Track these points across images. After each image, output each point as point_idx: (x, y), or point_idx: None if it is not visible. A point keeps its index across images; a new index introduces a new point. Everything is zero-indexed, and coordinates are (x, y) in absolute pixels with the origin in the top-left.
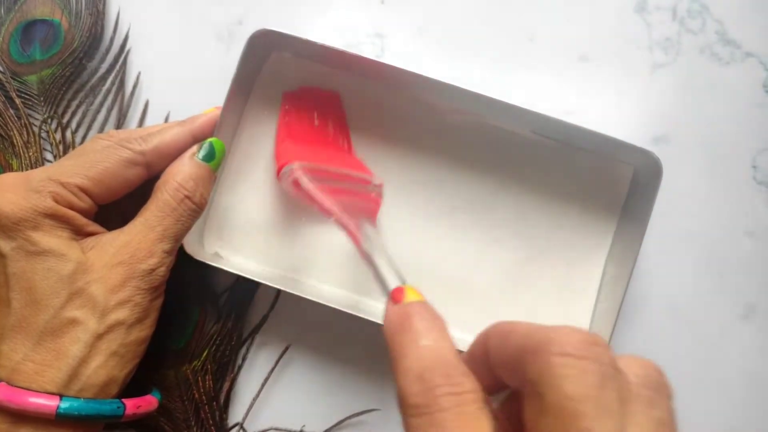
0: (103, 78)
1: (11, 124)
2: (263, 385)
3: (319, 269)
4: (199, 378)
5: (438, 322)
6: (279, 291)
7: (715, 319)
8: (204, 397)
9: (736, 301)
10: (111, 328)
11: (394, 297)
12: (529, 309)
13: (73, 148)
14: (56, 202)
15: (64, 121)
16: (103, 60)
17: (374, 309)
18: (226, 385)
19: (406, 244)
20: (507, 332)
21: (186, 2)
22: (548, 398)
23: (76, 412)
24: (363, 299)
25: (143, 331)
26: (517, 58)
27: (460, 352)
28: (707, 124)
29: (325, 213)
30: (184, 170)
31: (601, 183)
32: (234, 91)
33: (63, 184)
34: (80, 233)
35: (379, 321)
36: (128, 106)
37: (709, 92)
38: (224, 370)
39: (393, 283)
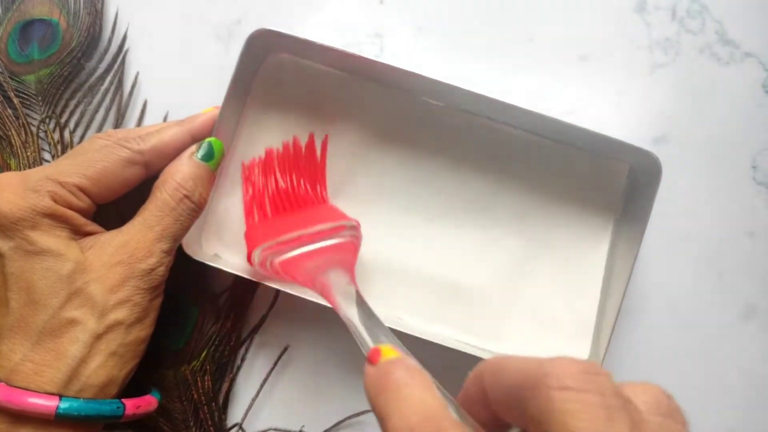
0: (102, 78)
1: (9, 123)
2: (262, 385)
3: None
4: (198, 378)
5: (418, 376)
6: (278, 291)
7: (715, 320)
8: (203, 397)
9: (736, 302)
10: (110, 328)
11: (371, 359)
12: (529, 309)
13: (72, 147)
14: (55, 201)
15: (63, 120)
16: (101, 60)
17: (373, 309)
18: (225, 385)
19: (404, 244)
20: (500, 368)
21: (185, 2)
22: None
23: (76, 413)
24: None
25: (143, 331)
26: (517, 58)
27: (451, 396)
28: (707, 125)
29: (302, 285)
30: (183, 170)
31: (600, 183)
32: (232, 91)
33: (61, 184)
34: (79, 233)
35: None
36: (126, 105)
37: (708, 92)
38: (223, 370)
39: (368, 343)
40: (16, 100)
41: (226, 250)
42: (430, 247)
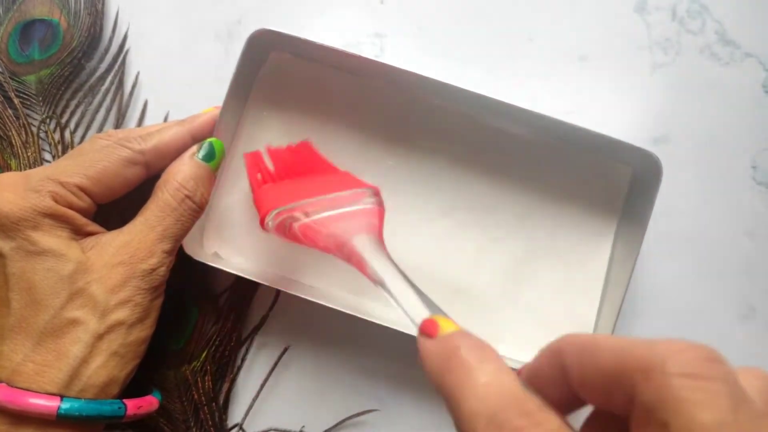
0: (102, 78)
1: (10, 124)
2: (263, 385)
3: (319, 270)
4: (199, 379)
5: (489, 352)
6: (278, 291)
7: (715, 320)
8: (203, 397)
9: (736, 302)
10: (111, 328)
11: (428, 331)
12: (529, 310)
13: (72, 148)
14: (55, 201)
15: (63, 121)
16: (101, 60)
17: (373, 309)
18: (226, 385)
19: (405, 244)
20: (591, 346)
21: (185, 2)
22: (674, 426)
23: (77, 413)
24: (362, 300)
25: (144, 331)
26: (517, 59)
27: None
28: (707, 125)
29: (323, 251)
30: (185, 170)
31: (600, 183)
32: (233, 91)
33: (62, 184)
34: (80, 233)
35: (379, 321)
36: (127, 106)
37: (708, 92)
38: (224, 370)
39: (418, 312)
40: (16, 101)
41: (226, 250)
42: (431, 248)
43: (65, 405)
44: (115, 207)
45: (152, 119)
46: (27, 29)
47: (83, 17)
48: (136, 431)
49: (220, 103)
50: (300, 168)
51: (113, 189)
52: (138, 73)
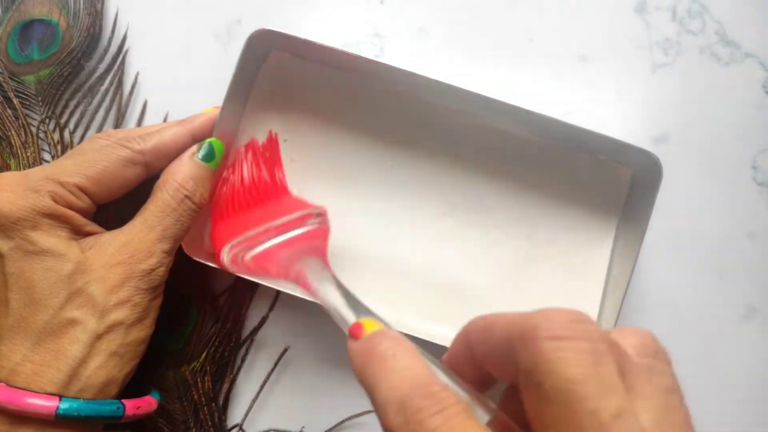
0: (102, 78)
1: (9, 124)
2: (262, 386)
3: None
4: (198, 379)
5: (403, 344)
6: (278, 292)
7: (716, 320)
8: (203, 398)
9: (737, 302)
10: (110, 328)
11: (354, 334)
12: (530, 309)
13: (72, 148)
14: (55, 201)
15: (62, 121)
16: (101, 60)
17: (373, 310)
18: (226, 386)
19: (405, 245)
20: (488, 325)
21: (185, 2)
22: (547, 385)
23: (76, 413)
24: (363, 300)
25: (143, 331)
26: (517, 59)
27: (436, 360)
28: (707, 125)
29: (277, 278)
30: (184, 170)
31: (601, 183)
32: (232, 91)
33: (62, 184)
34: (79, 233)
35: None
36: (126, 106)
37: (708, 93)
38: (223, 371)
39: (349, 319)
40: (15, 101)
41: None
42: (431, 248)
43: (64, 405)
44: (114, 207)
45: (152, 119)
46: (26, 29)
47: (82, 17)
48: None
49: (220, 104)
50: (249, 191)
51: (112, 189)
52: (137, 73)
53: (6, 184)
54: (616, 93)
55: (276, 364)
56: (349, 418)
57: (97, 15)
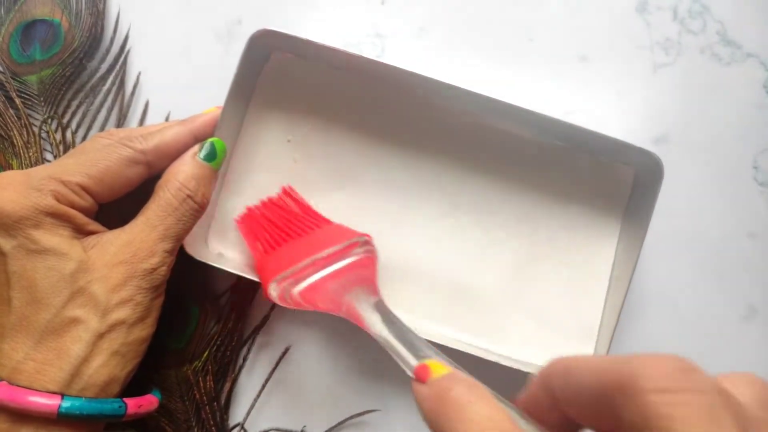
0: (104, 78)
1: (11, 124)
2: (264, 385)
3: None
4: (200, 378)
5: (478, 390)
6: None
7: (716, 321)
8: (205, 397)
9: (737, 302)
10: (112, 327)
11: (420, 377)
12: (532, 311)
13: (74, 148)
14: (57, 200)
15: (64, 121)
16: (103, 60)
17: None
18: (227, 385)
19: (407, 245)
20: (570, 368)
21: (186, 2)
22: None
23: (78, 412)
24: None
25: (144, 330)
26: (518, 59)
27: (510, 403)
28: (708, 125)
29: (328, 312)
30: (186, 170)
31: (602, 183)
32: (234, 91)
33: (64, 183)
34: (81, 232)
35: None
36: (128, 106)
37: (709, 93)
38: (225, 370)
39: (409, 359)
40: (18, 101)
41: (229, 250)
42: (434, 248)
43: (66, 404)
44: (116, 206)
45: (153, 119)
46: (28, 29)
47: (84, 17)
48: (138, 431)
49: (222, 103)
50: (291, 222)
51: (115, 188)
52: (139, 73)
53: (9, 183)
54: (616, 93)
55: (277, 364)
56: (351, 418)
57: (99, 15)
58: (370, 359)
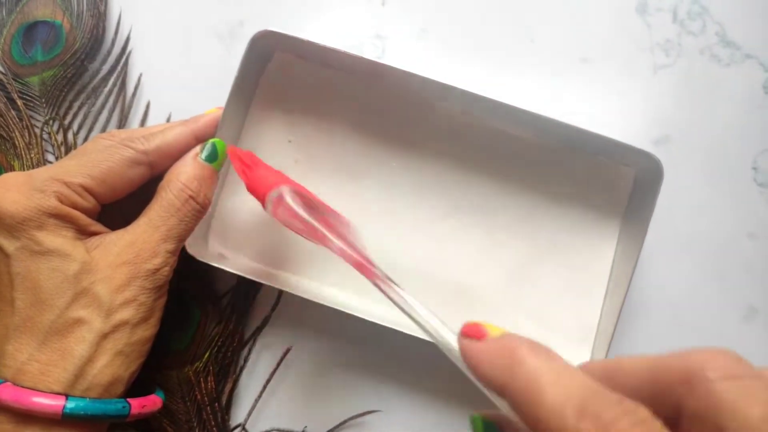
0: (105, 79)
1: (13, 125)
2: (265, 386)
3: (322, 270)
4: (201, 379)
5: (551, 351)
6: (281, 292)
7: (717, 321)
8: (206, 398)
9: (738, 303)
10: (116, 328)
11: (474, 334)
12: (532, 312)
13: (75, 149)
14: (60, 201)
15: (66, 122)
16: (104, 61)
17: (375, 310)
18: (228, 386)
19: (407, 245)
20: (616, 371)
21: (187, 3)
22: (732, 427)
23: (82, 412)
24: (365, 300)
25: (148, 331)
26: (518, 60)
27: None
28: (708, 126)
29: (321, 242)
30: (188, 170)
31: (602, 185)
32: (236, 92)
33: (67, 184)
34: (84, 233)
35: (382, 322)
36: (130, 107)
37: (709, 94)
38: (226, 371)
39: (436, 323)
40: (19, 102)
41: (231, 251)
42: (434, 249)
43: (70, 404)
44: (118, 207)
45: (155, 120)
46: (30, 31)
47: (86, 19)
48: (140, 431)
49: (223, 104)
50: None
51: (117, 189)
52: (140, 74)
53: (12, 184)
54: (617, 94)
55: (279, 364)
56: (352, 418)
57: (100, 17)
58: (371, 360)
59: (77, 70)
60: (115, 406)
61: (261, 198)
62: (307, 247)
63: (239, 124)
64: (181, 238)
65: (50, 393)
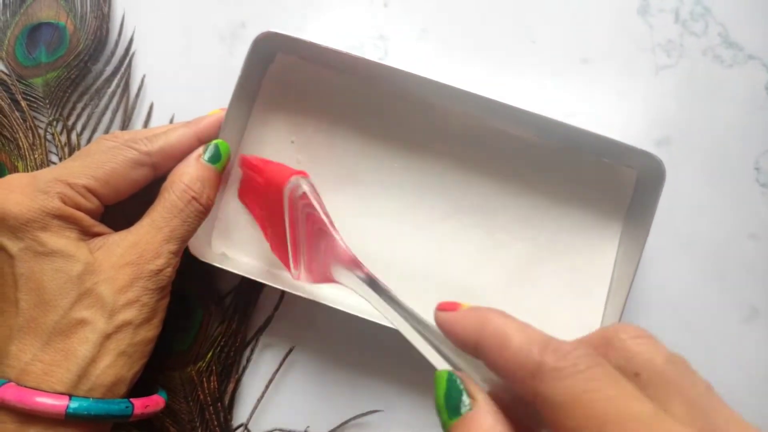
0: (108, 81)
1: (17, 126)
2: (267, 386)
3: None
4: (204, 379)
5: (512, 316)
6: (283, 292)
7: (718, 322)
8: (209, 398)
9: (739, 304)
10: (119, 328)
11: (448, 307)
12: (534, 312)
13: (79, 150)
14: (63, 202)
15: (70, 123)
16: (108, 63)
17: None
18: (231, 386)
19: (408, 246)
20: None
21: (190, 5)
22: (645, 370)
23: (86, 412)
24: (366, 301)
25: (150, 331)
26: (520, 60)
27: None
28: (710, 127)
29: (325, 233)
30: (191, 172)
31: (604, 185)
32: (238, 93)
33: (70, 185)
34: (87, 234)
35: (381, 321)
36: (133, 108)
37: (711, 94)
38: (229, 371)
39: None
40: (23, 103)
41: (233, 251)
42: (436, 250)
43: (74, 404)
44: (121, 208)
45: (158, 122)
46: (34, 32)
47: (89, 20)
48: (142, 431)
49: (226, 106)
50: (262, 193)
51: (120, 190)
52: (144, 75)
53: (15, 185)
54: (618, 95)
55: (281, 364)
56: (354, 418)
57: (103, 18)
58: (373, 360)
59: (81, 72)
60: (118, 407)
61: (280, 185)
62: None
63: (242, 125)
64: (184, 239)
65: (53, 393)
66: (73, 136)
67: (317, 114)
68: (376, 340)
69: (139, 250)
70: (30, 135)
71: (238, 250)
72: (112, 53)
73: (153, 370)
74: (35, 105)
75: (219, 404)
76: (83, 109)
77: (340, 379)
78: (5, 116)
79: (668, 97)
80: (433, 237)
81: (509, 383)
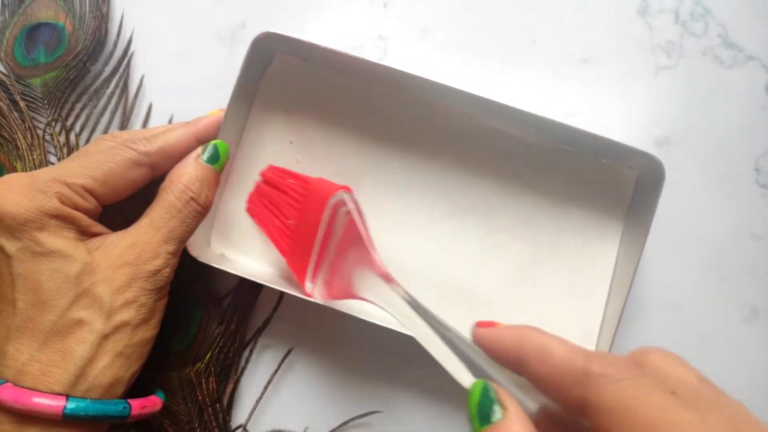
0: (107, 81)
1: (15, 126)
2: (266, 387)
3: None
4: (203, 380)
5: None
6: (282, 293)
7: (719, 322)
8: (207, 399)
9: (740, 304)
10: (117, 329)
11: (488, 325)
12: (533, 313)
13: (77, 150)
14: (61, 202)
15: (68, 123)
16: (106, 63)
17: (377, 311)
18: (230, 387)
19: (408, 247)
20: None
21: (189, 5)
22: None
23: (83, 413)
24: (366, 301)
25: (148, 332)
26: (520, 61)
27: None
28: (710, 127)
29: (367, 251)
30: (189, 172)
31: (604, 186)
32: (237, 94)
33: (68, 185)
34: (85, 234)
35: (383, 323)
36: (132, 109)
37: (711, 95)
38: (227, 372)
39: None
40: (22, 104)
41: (232, 251)
42: (435, 250)
43: (71, 405)
44: (119, 208)
45: (157, 122)
46: (33, 33)
47: (88, 21)
48: None
49: (225, 106)
50: (286, 200)
51: (118, 190)
52: (143, 76)
53: (14, 185)
54: (618, 95)
55: (280, 365)
56: (353, 419)
57: (102, 18)
58: (373, 361)
59: (79, 72)
60: (115, 407)
61: (324, 197)
62: None
63: (241, 125)
64: (183, 240)
65: (51, 393)
66: (72, 137)
67: (316, 114)
68: (374, 341)
69: (137, 251)
70: (29, 135)
71: (237, 250)
72: (111, 53)
73: (151, 371)
74: (34, 105)
75: (218, 405)
76: (82, 109)
77: (339, 380)
78: (4, 117)
79: (668, 98)
80: (433, 237)
81: (551, 394)
